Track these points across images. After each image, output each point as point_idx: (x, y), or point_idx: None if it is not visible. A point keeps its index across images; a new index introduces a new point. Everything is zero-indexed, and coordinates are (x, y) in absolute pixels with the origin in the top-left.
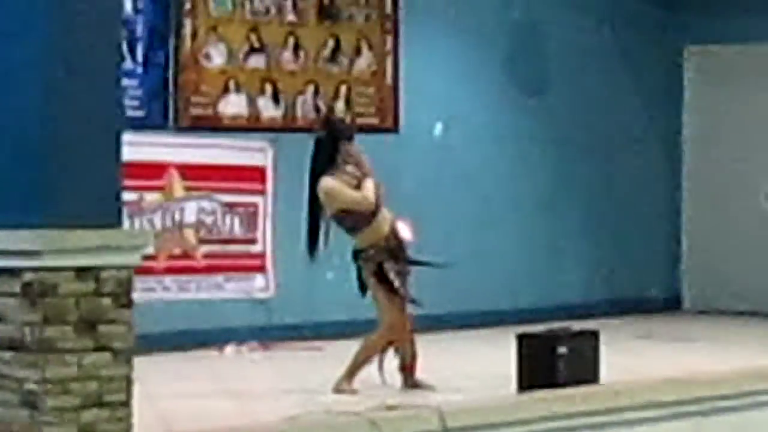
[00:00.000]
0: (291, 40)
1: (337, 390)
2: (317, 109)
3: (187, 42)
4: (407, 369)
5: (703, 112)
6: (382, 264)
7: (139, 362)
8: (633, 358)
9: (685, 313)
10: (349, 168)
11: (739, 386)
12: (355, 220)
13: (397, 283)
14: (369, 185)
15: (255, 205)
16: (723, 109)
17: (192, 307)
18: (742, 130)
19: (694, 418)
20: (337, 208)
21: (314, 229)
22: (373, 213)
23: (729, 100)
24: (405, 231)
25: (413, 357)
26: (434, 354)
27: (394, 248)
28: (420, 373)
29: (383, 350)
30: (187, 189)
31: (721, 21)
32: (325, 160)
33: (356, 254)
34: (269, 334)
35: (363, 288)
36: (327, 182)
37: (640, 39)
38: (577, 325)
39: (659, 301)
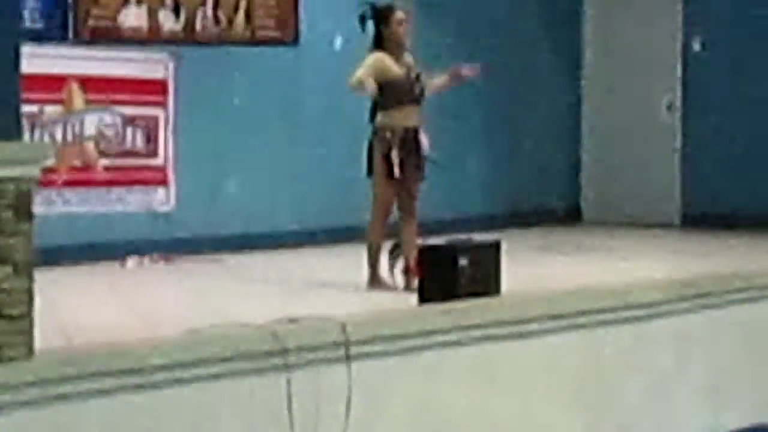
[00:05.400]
0: None
1: (371, 287)
2: (217, 22)
3: None
4: (410, 271)
5: (603, 23)
6: (392, 147)
7: (40, 275)
8: (534, 269)
9: (584, 224)
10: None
11: (638, 297)
12: (387, 97)
13: (396, 170)
14: (369, 84)
15: (155, 118)
16: (623, 21)
17: (93, 220)
18: (643, 42)
19: (594, 329)
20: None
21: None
22: (411, 100)
23: (629, 13)
24: (424, 141)
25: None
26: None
27: (409, 140)
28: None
29: (394, 255)
30: (88, 101)
31: None
32: (378, 41)
33: (374, 131)
34: (171, 247)
35: (369, 168)
36: (373, 53)
37: None
38: (478, 237)
39: (559, 213)
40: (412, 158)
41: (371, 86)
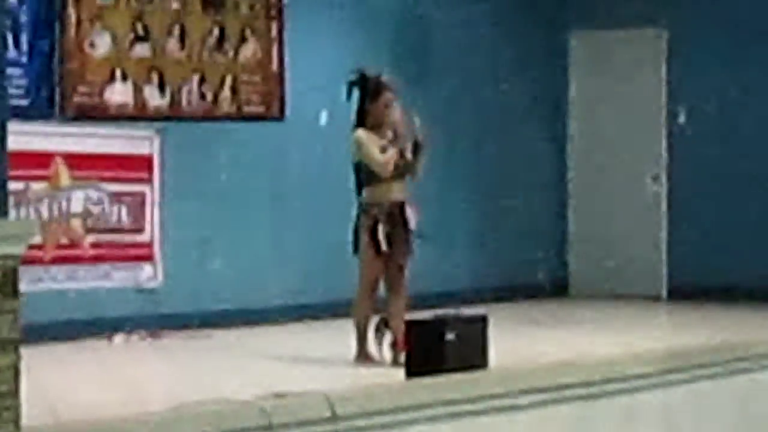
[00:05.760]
0: (176, 29)
1: (359, 361)
2: (203, 97)
3: (72, 30)
4: (397, 345)
5: (587, 95)
6: (378, 222)
7: (28, 352)
8: (521, 342)
9: (571, 297)
10: (388, 131)
11: (626, 370)
12: (370, 174)
13: (383, 245)
14: (390, 153)
15: (142, 194)
16: (607, 92)
17: (80, 297)
18: (627, 113)
19: (583, 402)
20: (358, 159)
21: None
22: (396, 175)
23: (612, 84)
24: (411, 215)
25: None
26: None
27: (395, 214)
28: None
29: (381, 329)
30: (74, 178)
31: (604, 7)
32: (361, 113)
33: (360, 208)
34: (158, 323)
35: (356, 245)
36: (357, 132)
37: (526, 24)
38: (465, 311)
39: (546, 286)
40: (400, 233)
41: (389, 156)
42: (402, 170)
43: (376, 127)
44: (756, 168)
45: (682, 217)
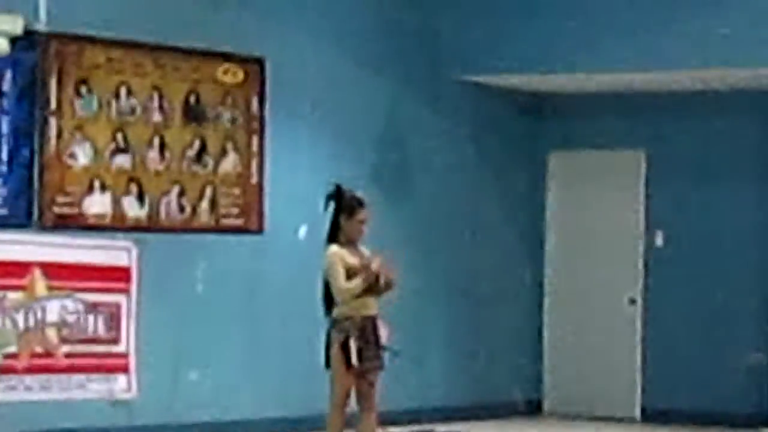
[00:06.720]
0: (156, 141)
1: None
2: (182, 210)
3: (52, 141)
4: None
5: (565, 216)
6: (349, 337)
7: None
8: None
9: (545, 416)
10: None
11: None
12: None
13: (354, 360)
14: (355, 283)
15: (118, 305)
16: (585, 213)
17: (54, 407)
18: (604, 235)
19: None
20: (327, 276)
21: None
22: (367, 289)
23: (590, 205)
24: (382, 331)
25: None
26: None
27: (367, 329)
28: None
29: None
30: (50, 288)
31: (582, 128)
32: (335, 228)
33: (332, 322)
34: None
35: (328, 359)
36: (330, 248)
37: (505, 145)
38: (440, 428)
39: (520, 405)
40: (371, 347)
41: (353, 287)
42: (373, 292)
43: (348, 243)
44: (732, 293)
45: (657, 340)
